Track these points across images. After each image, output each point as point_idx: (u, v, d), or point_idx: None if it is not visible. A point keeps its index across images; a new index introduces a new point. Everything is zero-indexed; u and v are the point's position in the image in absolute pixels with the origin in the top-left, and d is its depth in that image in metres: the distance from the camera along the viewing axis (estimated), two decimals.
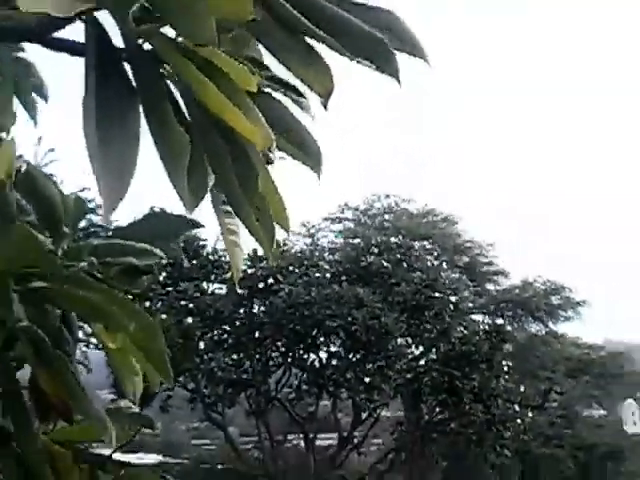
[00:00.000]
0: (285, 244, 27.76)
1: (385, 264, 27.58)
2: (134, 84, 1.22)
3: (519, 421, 30.43)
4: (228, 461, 35.80)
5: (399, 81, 1.35)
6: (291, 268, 26.15)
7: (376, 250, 28.35)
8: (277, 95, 1.47)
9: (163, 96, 1.26)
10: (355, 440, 30.73)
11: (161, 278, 24.26)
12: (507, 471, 35.24)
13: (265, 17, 1.30)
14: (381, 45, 1.33)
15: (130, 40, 1.22)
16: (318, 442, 31.81)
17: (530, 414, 31.96)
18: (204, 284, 26.08)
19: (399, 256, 28.15)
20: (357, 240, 29.63)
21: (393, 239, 29.16)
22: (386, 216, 32.10)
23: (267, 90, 1.45)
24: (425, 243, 31.28)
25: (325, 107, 1.40)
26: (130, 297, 1.62)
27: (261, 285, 25.29)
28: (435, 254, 31.13)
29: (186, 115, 1.35)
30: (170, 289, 25.17)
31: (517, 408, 30.52)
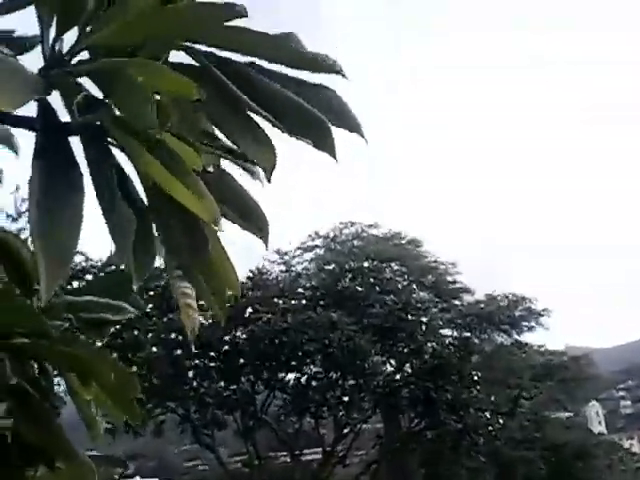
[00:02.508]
0: (263, 272, 27.92)
1: (359, 288, 27.86)
2: (82, 159, 1.17)
3: (490, 427, 30.61)
4: None
5: (335, 157, 1.34)
6: (271, 297, 26.28)
7: (349, 275, 28.54)
8: (226, 163, 1.43)
9: (110, 172, 1.20)
10: (339, 454, 30.77)
11: (148, 309, 24.00)
12: (481, 475, 35.33)
13: (213, 97, 1.27)
14: (319, 124, 1.32)
15: (77, 119, 1.17)
16: (304, 457, 31.90)
17: (501, 420, 32.09)
18: None
19: (371, 280, 28.37)
20: (331, 266, 29.71)
21: (365, 264, 29.25)
22: (355, 242, 31.92)
23: (216, 157, 1.40)
24: (393, 265, 31.27)
25: (269, 181, 1.36)
26: (106, 349, 1.59)
27: (243, 314, 25.32)
28: (404, 275, 31.20)
29: (134, 188, 1.31)
30: (156, 320, 25.04)
31: (488, 415, 30.71)
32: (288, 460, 31.70)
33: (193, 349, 25.08)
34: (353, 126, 1.37)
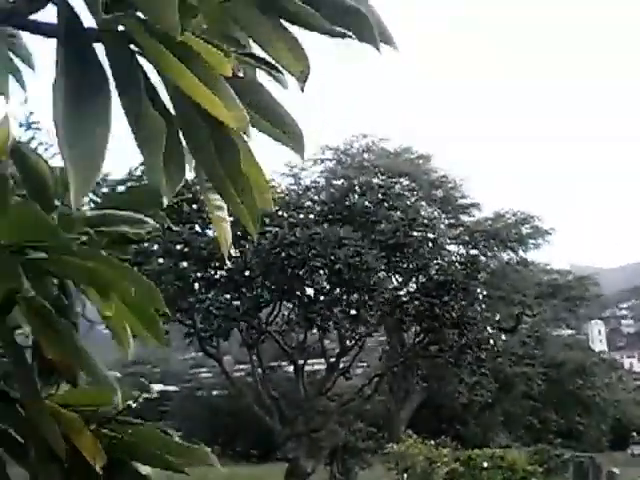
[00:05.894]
0: (271, 185, 27.85)
1: (367, 204, 27.86)
2: (107, 67, 1.14)
3: (492, 343, 31.04)
4: (222, 388, 36.44)
5: (378, 48, 1.29)
6: (277, 210, 26.20)
7: (358, 190, 28.57)
8: (253, 72, 1.38)
9: (137, 78, 1.18)
10: (342, 366, 31.28)
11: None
12: (482, 389, 36.05)
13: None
14: (357, 13, 1.26)
15: (101, 22, 1.14)
16: (307, 368, 32.46)
17: (503, 337, 32.52)
18: (197, 227, 25.98)
19: (380, 196, 28.34)
20: (340, 181, 29.61)
21: (375, 180, 29.12)
22: (365, 155, 31.85)
23: (246, 69, 1.34)
24: (402, 180, 31.21)
25: (302, 90, 1.33)
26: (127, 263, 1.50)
27: None
28: (413, 191, 31.12)
29: (162, 98, 1.27)
30: (165, 231, 25.11)
31: (491, 331, 31.10)
32: (291, 370, 32.23)
33: (220, 263, 25.01)
34: (386, 38, 1.32)
